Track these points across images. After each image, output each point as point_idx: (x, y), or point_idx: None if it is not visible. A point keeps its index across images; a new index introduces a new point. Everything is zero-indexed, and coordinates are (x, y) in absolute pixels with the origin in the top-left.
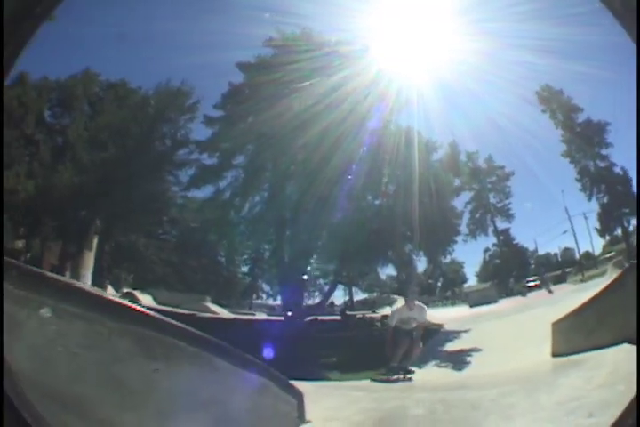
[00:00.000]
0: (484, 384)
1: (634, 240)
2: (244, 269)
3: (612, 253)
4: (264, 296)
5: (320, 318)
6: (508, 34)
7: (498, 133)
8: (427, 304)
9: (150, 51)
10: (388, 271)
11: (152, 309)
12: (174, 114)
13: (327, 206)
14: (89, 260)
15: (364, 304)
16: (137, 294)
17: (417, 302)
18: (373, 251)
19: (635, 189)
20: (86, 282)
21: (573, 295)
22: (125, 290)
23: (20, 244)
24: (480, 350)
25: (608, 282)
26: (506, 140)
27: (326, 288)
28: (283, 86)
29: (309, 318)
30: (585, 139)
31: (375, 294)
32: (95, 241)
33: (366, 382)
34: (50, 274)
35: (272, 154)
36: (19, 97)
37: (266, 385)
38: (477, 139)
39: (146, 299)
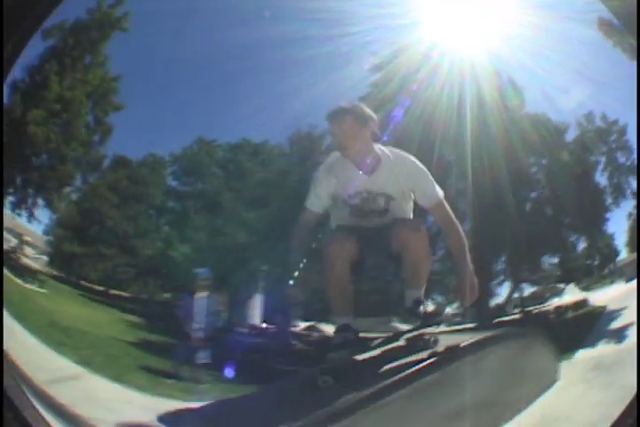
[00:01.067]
0: None
1: None
2: None
3: None
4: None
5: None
6: (564, 7)
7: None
8: (587, 288)
9: (253, 100)
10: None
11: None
12: (318, 157)
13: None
14: (257, 301)
15: (533, 299)
16: (319, 325)
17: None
18: (540, 242)
19: None
20: (257, 321)
21: None
22: (307, 324)
23: (166, 295)
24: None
25: None
26: (601, 95)
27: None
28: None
29: (496, 321)
30: None
31: (540, 287)
32: (262, 284)
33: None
34: None
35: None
36: (128, 177)
37: None
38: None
39: (328, 329)
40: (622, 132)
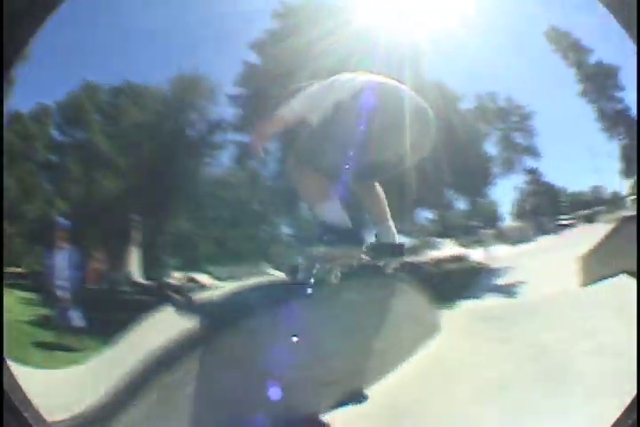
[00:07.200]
0: (538, 305)
1: None
2: (288, 230)
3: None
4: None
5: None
6: None
7: (505, 78)
8: (467, 246)
9: (148, 45)
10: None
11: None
12: (197, 100)
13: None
14: (135, 256)
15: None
16: (195, 276)
17: None
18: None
19: None
20: (137, 277)
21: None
22: (183, 275)
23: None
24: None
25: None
26: (517, 84)
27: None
28: (297, 56)
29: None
30: (598, 80)
31: (417, 239)
32: (139, 235)
33: None
34: None
35: None
36: (20, 134)
37: None
38: (484, 84)
39: (204, 279)
40: (527, 117)
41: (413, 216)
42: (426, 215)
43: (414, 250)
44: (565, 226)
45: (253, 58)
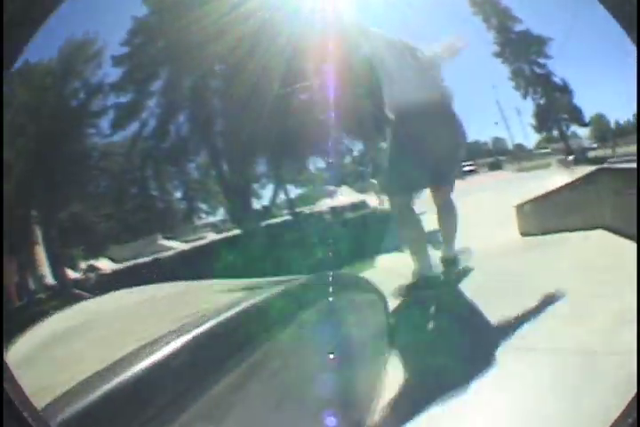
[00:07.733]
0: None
1: (573, 144)
2: (178, 194)
3: (549, 150)
4: (204, 215)
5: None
6: None
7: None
8: (362, 191)
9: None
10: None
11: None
12: (80, 66)
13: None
14: (42, 256)
15: (303, 200)
16: (96, 263)
17: None
18: (305, 143)
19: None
20: (47, 279)
21: (517, 182)
22: (84, 265)
23: None
24: None
25: (574, 176)
26: (423, 36)
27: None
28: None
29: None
30: (521, 45)
31: (310, 188)
32: (40, 233)
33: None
34: None
35: (188, 70)
36: None
37: None
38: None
39: (104, 264)
40: None
41: (305, 164)
42: (317, 163)
43: (311, 200)
44: (468, 172)
45: (139, 12)
